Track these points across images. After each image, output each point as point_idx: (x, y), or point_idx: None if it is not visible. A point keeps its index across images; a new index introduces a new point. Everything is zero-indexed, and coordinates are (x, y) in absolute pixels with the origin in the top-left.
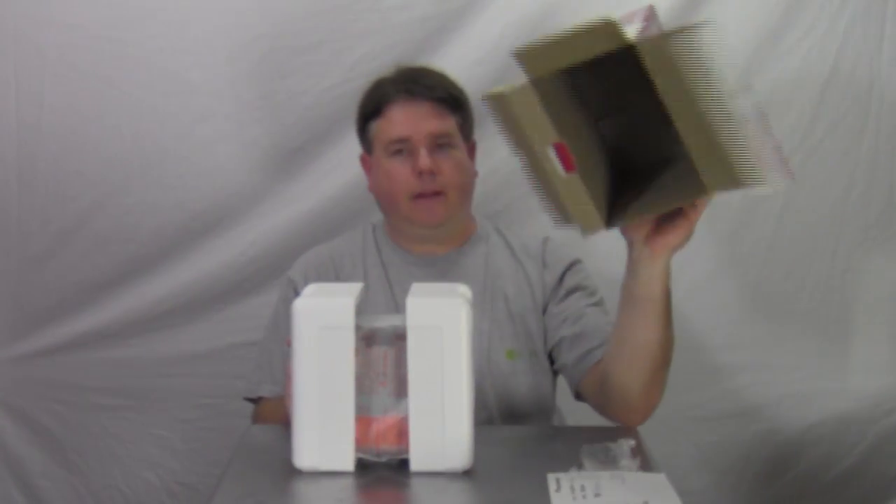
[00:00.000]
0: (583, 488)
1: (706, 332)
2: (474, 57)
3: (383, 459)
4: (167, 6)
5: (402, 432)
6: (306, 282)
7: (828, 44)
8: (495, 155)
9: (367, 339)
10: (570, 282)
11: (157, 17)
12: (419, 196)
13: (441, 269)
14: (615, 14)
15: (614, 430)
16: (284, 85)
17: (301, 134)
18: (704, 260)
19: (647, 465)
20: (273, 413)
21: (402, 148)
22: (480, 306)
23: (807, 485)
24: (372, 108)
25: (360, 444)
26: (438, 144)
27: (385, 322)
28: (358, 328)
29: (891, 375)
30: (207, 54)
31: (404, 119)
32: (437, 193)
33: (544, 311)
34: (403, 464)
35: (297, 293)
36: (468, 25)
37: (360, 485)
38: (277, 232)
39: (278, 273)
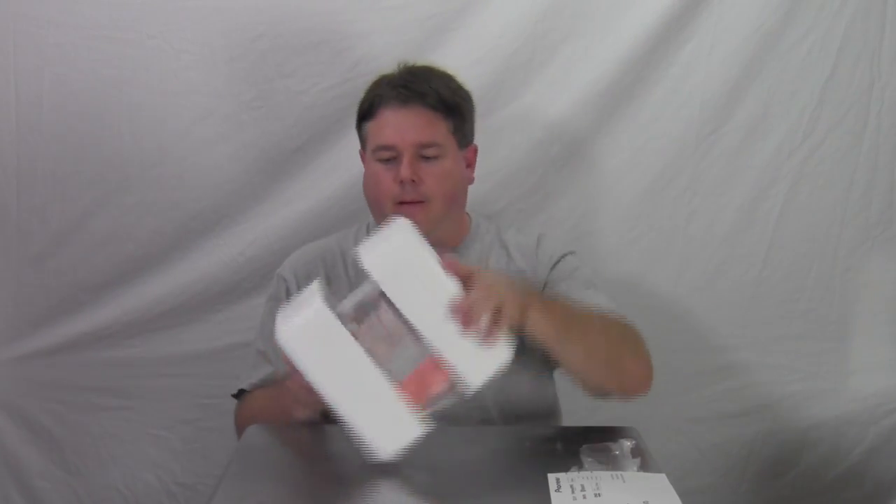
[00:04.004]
0: (583, 488)
1: (706, 332)
2: (474, 57)
3: (450, 401)
4: (167, 6)
5: (438, 367)
6: (296, 279)
7: (828, 44)
8: (495, 155)
9: (356, 319)
10: (557, 274)
11: (157, 17)
12: (402, 203)
13: None
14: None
15: (614, 430)
16: (284, 85)
17: (301, 134)
18: (704, 260)
19: (647, 465)
20: (254, 402)
21: (389, 155)
22: None
23: (807, 485)
24: (367, 108)
25: (418, 402)
26: (424, 154)
27: (358, 295)
28: (342, 317)
29: (891, 375)
30: (207, 54)
31: (393, 126)
32: (419, 202)
33: None
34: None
35: (288, 291)
36: (468, 25)
37: (365, 482)
38: (276, 232)
39: None
